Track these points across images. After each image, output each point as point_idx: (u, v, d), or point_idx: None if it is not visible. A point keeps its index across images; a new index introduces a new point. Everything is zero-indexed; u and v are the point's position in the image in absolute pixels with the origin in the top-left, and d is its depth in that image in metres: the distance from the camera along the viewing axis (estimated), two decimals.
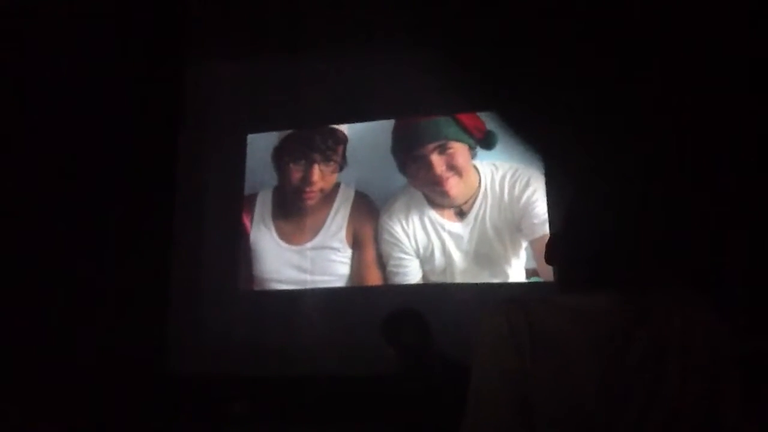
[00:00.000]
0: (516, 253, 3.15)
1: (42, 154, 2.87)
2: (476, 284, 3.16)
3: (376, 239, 3.37)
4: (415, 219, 3.33)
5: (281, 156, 3.61)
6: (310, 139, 3.56)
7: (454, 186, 3.28)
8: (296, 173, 3.55)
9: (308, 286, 3.40)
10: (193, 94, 3.67)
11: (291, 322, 3.28)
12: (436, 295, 3.16)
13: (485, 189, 3.26)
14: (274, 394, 3.09)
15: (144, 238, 3.23)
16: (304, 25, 3.30)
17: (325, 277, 3.40)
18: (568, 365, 0.89)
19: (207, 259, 3.52)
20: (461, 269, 3.22)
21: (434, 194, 3.33)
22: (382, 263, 3.35)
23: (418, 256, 3.30)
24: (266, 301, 3.43)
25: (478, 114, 3.33)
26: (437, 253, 3.27)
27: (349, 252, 3.41)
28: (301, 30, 3.32)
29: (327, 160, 3.52)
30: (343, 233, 3.43)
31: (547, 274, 3.03)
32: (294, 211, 3.54)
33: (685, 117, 2.59)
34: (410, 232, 3.32)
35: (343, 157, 3.52)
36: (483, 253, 3.20)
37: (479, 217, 3.24)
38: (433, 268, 3.27)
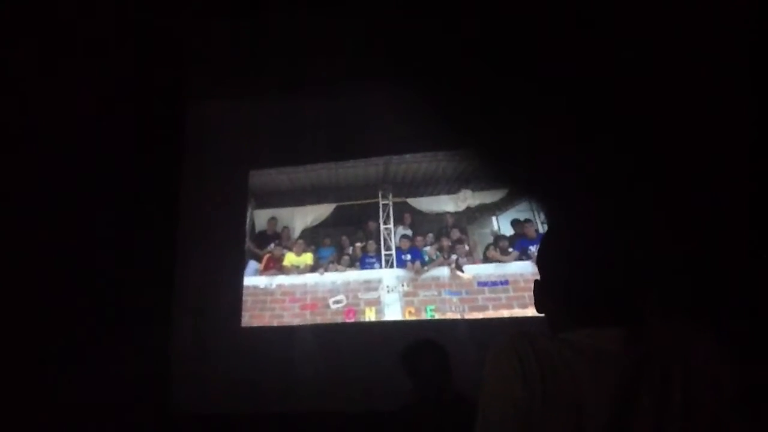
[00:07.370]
0: None
1: (38, 201, 2.93)
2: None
3: None
4: None
5: None
6: None
7: None
8: None
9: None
10: (195, 134, 3.74)
11: (292, 358, 3.28)
12: (444, 330, 3.17)
13: None
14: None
15: (146, 273, 3.25)
16: (301, 66, 3.41)
17: None
18: (575, 399, 0.90)
19: (209, 297, 3.50)
20: None
21: None
22: None
23: None
24: (267, 338, 3.40)
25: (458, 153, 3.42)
26: None
27: None
28: (299, 71, 3.42)
29: None
30: None
31: None
32: None
33: (664, 149, 2.61)
34: None
35: None
36: None
37: None
38: None
